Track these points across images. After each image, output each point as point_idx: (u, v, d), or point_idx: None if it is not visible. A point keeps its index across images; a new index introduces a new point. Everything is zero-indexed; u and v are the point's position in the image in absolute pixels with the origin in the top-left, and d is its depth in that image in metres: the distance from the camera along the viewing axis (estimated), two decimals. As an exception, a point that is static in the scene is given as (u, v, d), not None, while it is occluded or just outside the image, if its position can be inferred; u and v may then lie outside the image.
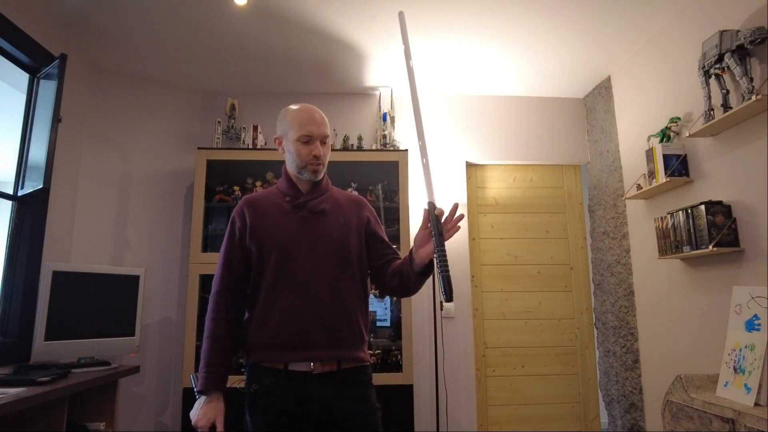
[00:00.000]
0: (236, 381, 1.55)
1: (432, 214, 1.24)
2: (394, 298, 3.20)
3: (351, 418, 1.36)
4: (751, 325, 1.78)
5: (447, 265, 1.19)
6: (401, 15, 1.44)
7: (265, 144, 3.29)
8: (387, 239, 1.56)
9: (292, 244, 1.42)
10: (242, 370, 1.46)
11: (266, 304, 1.40)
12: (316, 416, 1.35)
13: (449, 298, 1.17)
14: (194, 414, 1.36)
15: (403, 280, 1.40)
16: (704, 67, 2.20)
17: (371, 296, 1.65)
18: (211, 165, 3.05)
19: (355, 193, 1.72)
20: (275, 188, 1.55)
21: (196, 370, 2.87)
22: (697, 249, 2.19)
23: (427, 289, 3.21)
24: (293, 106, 1.52)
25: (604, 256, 3.29)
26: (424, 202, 1.29)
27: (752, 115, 2.05)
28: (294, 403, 1.35)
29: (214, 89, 3.50)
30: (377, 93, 3.53)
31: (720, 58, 2.10)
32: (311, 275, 1.40)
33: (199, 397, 1.38)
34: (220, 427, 1.35)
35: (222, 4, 2.54)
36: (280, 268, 1.40)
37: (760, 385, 1.63)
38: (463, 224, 3.41)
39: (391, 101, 3.41)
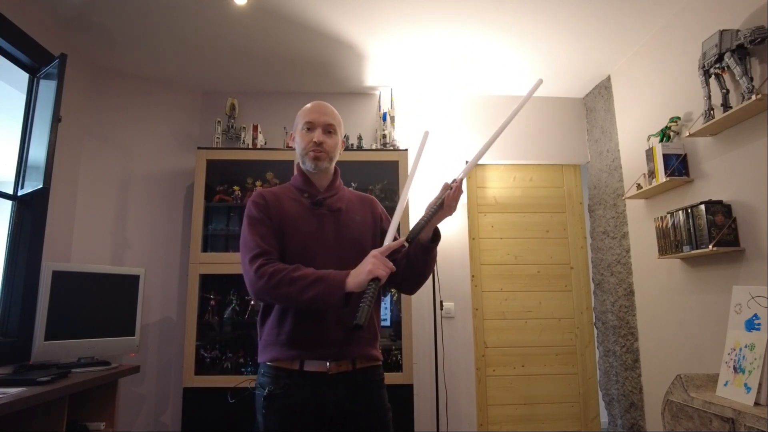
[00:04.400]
0: (247, 381, 1.54)
1: (449, 187, 1.35)
2: (395, 297, 3.20)
3: (364, 418, 1.36)
4: (751, 325, 1.78)
5: (431, 215, 1.34)
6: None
7: (265, 144, 3.29)
8: (399, 236, 1.57)
9: (313, 240, 1.41)
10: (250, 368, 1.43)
11: None
12: (329, 417, 1.34)
13: (408, 239, 1.35)
14: (361, 276, 1.23)
15: (410, 258, 1.41)
16: (704, 66, 2.20)
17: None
18: (211, 165, 3.05)
19: (364, 193, 1.72)
20: (288, 185, 1.54)
21: (196, 372, 2.86)
22: (697, 249, 2.19)
23: (427, 289, 3.21)
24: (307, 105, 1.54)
25: (604, 256, 3.28)
26: (425, 201, 1.42)
27: (752, 115, 2.05)
28: (309, 405, 1.33)
29: (214, 89, 3.50)
30: (377, 93, 3.53)
31: (720, 58, 2.10)
32: None
33: (347, 292, 1.25)
34: (390, 265, 1.27)
35: (222, 4, 2.54)
36: (300, 263, 1.37)
37: (760, 385, 1.63)
38: (463, 224, 3.44)
39: (391, 101, 3.40)
